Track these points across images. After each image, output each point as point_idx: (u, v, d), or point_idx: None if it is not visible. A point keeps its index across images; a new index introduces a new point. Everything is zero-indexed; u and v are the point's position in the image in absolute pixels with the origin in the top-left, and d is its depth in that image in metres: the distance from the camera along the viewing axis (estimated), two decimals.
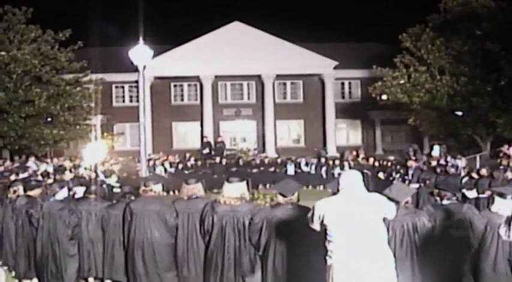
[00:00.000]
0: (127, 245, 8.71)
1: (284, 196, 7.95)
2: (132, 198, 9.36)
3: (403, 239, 7.73)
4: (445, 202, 8.49)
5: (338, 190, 6.07)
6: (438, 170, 19.78)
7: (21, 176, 14.75)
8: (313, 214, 6.09)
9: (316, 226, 6.14)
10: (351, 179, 6.00)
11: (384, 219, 6.10)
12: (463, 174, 19.04)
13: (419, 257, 7.82)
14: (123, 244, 8.88)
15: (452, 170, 19.28)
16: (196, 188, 8.89)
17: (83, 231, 9.23)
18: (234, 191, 8.20)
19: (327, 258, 5.95)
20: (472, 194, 15.48)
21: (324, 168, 27.91)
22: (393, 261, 5.99)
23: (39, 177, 15.30)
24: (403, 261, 7.55)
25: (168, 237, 8.59)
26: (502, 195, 7.75)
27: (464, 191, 15.47)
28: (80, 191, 9.85)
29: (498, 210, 7.69)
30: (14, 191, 10.34)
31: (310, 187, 25.58)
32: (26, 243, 9.66)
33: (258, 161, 28.88)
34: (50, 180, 13.81)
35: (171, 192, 22.24)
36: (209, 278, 8.10)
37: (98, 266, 9.27)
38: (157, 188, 9.08)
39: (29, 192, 9.97)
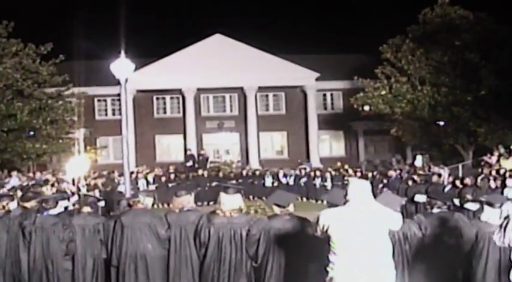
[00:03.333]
0: (118, 259, 8.56)
1: (280, 207, 7.95)
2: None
3: (394, 249, 7.71)
4: (435, 211, 8.46)
5: (346, 200, 5.89)
6: (418, 179, 19.93)
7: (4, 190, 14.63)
8: (317, 223, 5.94)
9: (319, 235, 6.01)
10: (358, 190, 5.84)
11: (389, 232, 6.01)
12: (445, 183, 19.17)
13: (411, 267, 7.81)
14: (110, 256, 8.74)
15: (435, 179, 19.41)
16: (185, 200, 8.78)
17: (78, 247, 8.99)
18: (232, 202, 8.14)
19: (328, 269, 5.79)
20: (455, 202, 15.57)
21: (303, 180, 28.00)
22: (394, 276, 5.89)
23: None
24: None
25: (161, 249, 8.48)
26: (491, 204, 7.77)
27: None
28: (61, 206, 9.74)
29: (487, 219, 7.71)
30: (3, 207, 10.17)
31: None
32: (18, 258, 9.47)
33: (243, 173, 29.06)
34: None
35: (155, 205, 22.25)
36: None
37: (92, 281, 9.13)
38: (148, 201, 9.01)
39: (25, 204, 9.86)
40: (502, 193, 15.58)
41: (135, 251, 8.40)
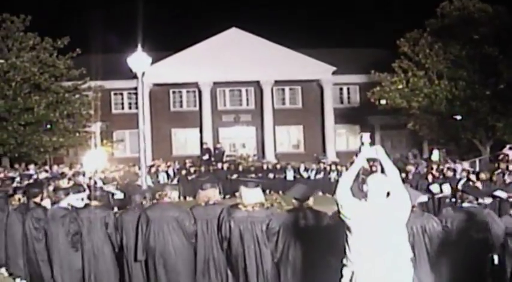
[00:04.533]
0: (145, 254, 8.55)
1: (299, 201, 7.94)
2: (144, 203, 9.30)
3: (413, 242, 7.66)
4: (465, 205, 8.42)
5: (365, 193, 5.84)
6: (436, 174, 19.75)
7: (24, 183, 14.74)
8: (341, 208, 5.78)
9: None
10: (377, 182, 5.79)
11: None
12: (460, 177, 19.00)
13: (431, 260, 7.76)
14: (134, 251, 8.72)
15: (449, 174, 19.27)
16: (211, 193, 8.78)
17: (85, 240, 9.12)
18: (253, 196, 8.14)
19: (348, 262, 5.75)
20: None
21: (320, 174, 27.89)
22: (411, 266, 5.82)
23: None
24: (414, 264, 7.54)
25: (188, 244, 8.47)
26: None
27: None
28: (77, 199, 9.75)
29: None
30: (19, 199, 10.28)
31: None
32: (33, 250, 9.61)
33: (263, 167, 29.04)
34: (50, 187, 13.77)
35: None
36: None
37: (102, 274, 9.17)
38: (174, 194, 8.97)
39: (34, 199, 9.93)
40: None
41: (162, 245, 8.40)
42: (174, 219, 8.46)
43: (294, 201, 8.06)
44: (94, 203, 9.50)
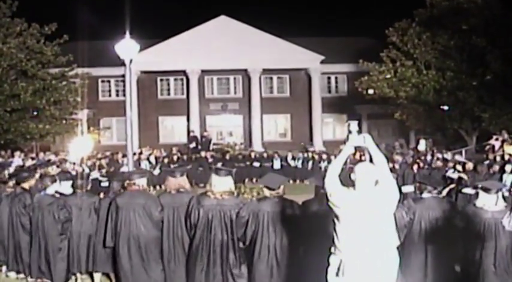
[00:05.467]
0: (114, 240, 8.56)
1: (270, 189, 7.96)
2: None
3: None
4: (424, 195, 8.50)
5: (353, 182, 5.82)
6: (421, 164, 19.81)
7: (9, 171, 14.66)
8: (330, 197, 5.75)
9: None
10: (365, 171, 5.77)
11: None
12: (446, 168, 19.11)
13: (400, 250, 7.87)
14: (104, 237, 8.74)
15: (439, 164, 19.34)
16: (183, 181, 8.78)
17: (74, 226, 9.13)
18: (223, 184, 8.13)
19: (335, 250, 5.74)
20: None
21: (310, 162, 27.88)
22: (397, 254, 5.83)
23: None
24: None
25: (154, 231, 8.44)
26: (486, 190, 7.74)
27: None
28: (65, 186, 9.74)
29: (483, 205, 7.70)
30: (13, 185, 10.28)
31: (297, 181, 25.36)
32: (20, 237, 9.60)
33: (251, 155, 28.94)
34: (37, 175, 13.72)
35: (157, 187, 22.13)
36: (195, 272, 8.03)
37: (88, 260, 9.20)
38: (142, 181, 8.95)
39: (22, 185, 9.91)
40: (500, 178, 15.63)
41: (129, 232, 8.39)
42: (141, 206, 8.43)
43: (264, 189, 8.09)
44: (78, 190, 9.50)
